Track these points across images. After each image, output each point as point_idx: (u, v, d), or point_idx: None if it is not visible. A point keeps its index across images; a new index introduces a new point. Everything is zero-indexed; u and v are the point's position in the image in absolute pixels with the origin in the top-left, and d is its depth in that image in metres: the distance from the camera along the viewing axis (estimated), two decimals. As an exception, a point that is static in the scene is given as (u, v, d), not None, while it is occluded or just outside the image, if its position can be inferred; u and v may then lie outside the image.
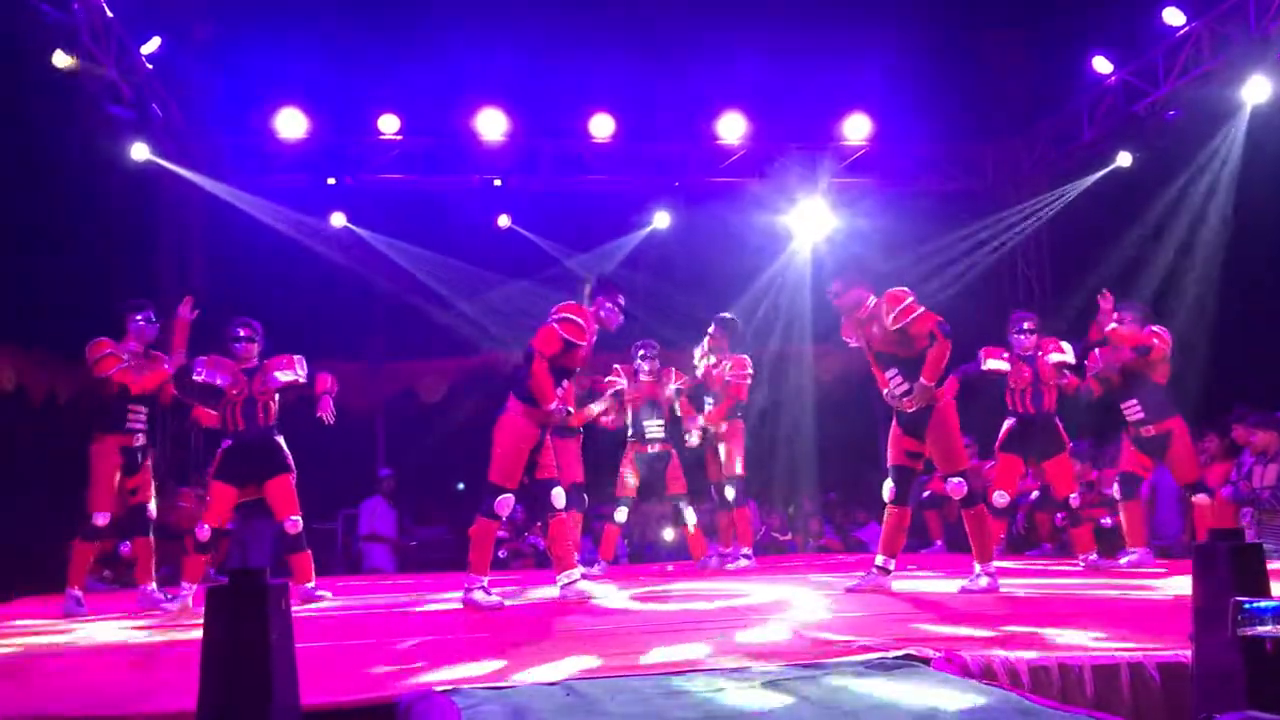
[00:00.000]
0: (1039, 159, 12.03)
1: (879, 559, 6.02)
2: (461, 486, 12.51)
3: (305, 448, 6.92)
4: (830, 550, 10.78)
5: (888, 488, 5.99)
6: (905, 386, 5.79)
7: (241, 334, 6.77)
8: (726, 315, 8.58)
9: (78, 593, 6.51)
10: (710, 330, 8.38)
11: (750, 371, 8.32)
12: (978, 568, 5.79)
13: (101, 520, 6.63)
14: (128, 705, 3.33)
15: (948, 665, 3.37)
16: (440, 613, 5.85)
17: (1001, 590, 5.71)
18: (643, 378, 8.22)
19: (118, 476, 6.74)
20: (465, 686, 3.19)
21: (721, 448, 8.25)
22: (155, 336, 6.93)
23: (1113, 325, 7.16)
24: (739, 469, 8.23)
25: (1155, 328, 7.33)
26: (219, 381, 6.66)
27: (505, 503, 5.81)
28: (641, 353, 8.28)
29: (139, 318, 6.84)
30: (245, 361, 6.73)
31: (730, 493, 8.21)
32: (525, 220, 11.92)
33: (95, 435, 6.76)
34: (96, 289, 8.84)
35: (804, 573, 7.78)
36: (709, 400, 8.37)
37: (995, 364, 7.46)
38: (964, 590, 5.73)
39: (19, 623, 6.12)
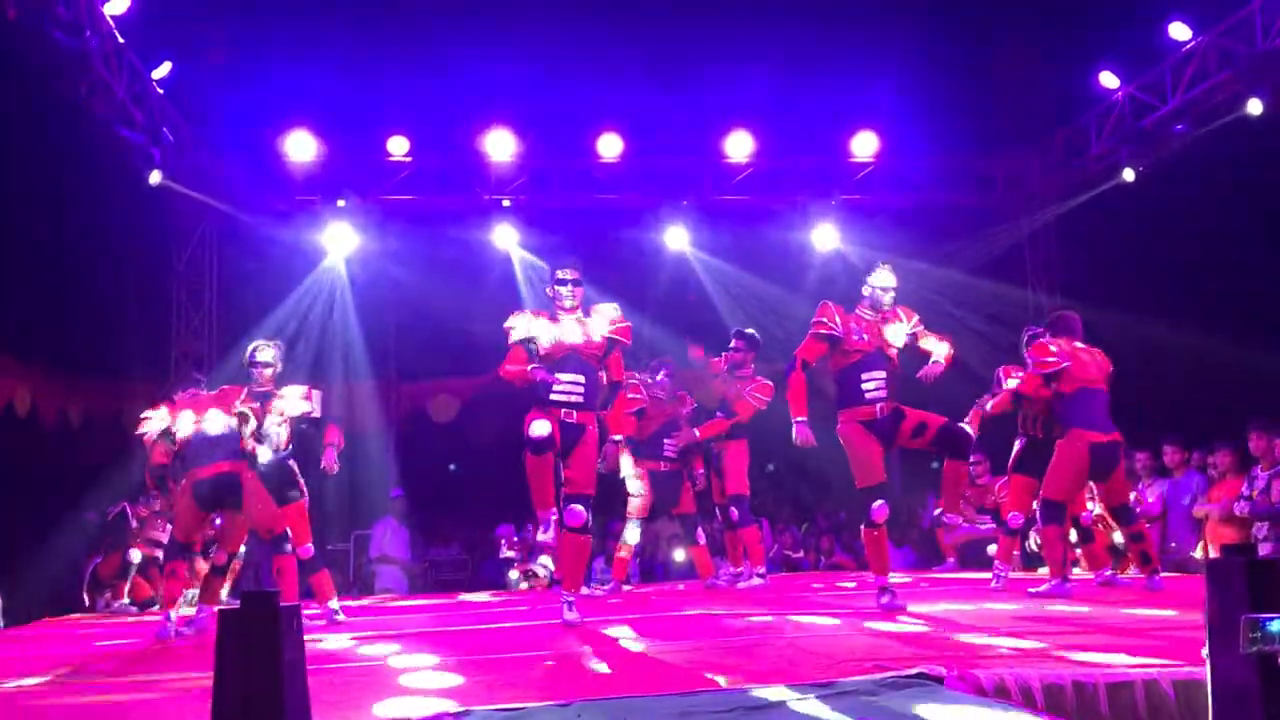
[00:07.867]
0: (1048, 173, 12.03)
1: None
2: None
3: (318, 469, 6.92)
4: (843, 568, 10.72)
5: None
6: None
7: (259, 359, 6.75)
8: (748, 330, 8.44)
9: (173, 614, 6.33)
10: (732, 344, 8.25)
11: (768, 400, 7.93)
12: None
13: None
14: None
15: (961, 683, 3.35)
16: (453, 634, 5.84)
17: (1004, 606, 5.70)
18: (657, 394, 8.18)
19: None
20: (477, 709, 3.19)
21: (726, 463, 8.18)
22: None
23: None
24: (742, 488, 8.14)
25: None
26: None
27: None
28: (660, 372, 8.23)
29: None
30: (261, 386, 6.70)
31: (735, 513, 8.12)
32: (535, 239, 11.94)
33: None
34: (108, 311, 8.89)
35: (816, 591, 7.75)
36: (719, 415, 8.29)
37: (1015, 383, 7.27)
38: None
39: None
